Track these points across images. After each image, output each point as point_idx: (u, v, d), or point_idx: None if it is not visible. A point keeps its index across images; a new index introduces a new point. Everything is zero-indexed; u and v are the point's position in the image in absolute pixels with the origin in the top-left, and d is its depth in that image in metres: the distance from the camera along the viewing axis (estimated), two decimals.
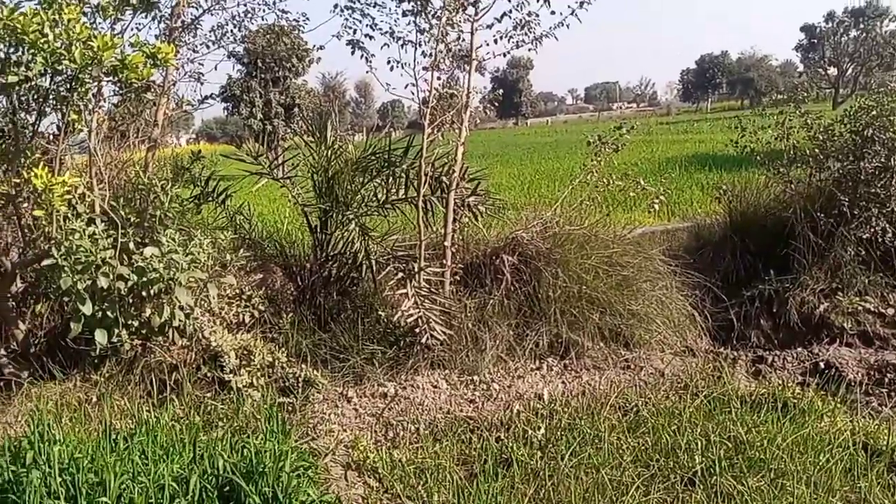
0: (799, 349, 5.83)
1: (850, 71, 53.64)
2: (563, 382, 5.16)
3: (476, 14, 5.81)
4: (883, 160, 6.64)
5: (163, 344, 4.99)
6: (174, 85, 7.20)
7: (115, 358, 4.93)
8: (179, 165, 6.14)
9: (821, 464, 3.77)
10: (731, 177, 10.65)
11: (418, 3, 5.56)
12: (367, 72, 5.86)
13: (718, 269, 6.77)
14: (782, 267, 6.54)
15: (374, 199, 6.02)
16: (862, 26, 52.63)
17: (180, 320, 4.78)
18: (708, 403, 4.57)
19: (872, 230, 6.43)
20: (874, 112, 6.89)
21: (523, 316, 5.73)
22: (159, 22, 6.63)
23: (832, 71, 56.41)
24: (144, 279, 4.53)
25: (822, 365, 5.46)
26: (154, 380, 4.78)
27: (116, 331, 4.57)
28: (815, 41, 56.56)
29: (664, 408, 4.52)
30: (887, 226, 6.44)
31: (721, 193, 7.52)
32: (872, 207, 6.51)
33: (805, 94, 8.05)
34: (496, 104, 7.36)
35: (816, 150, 7.05)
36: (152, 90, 6.60)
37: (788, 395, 4.70)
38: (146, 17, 5.96)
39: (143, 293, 4.59)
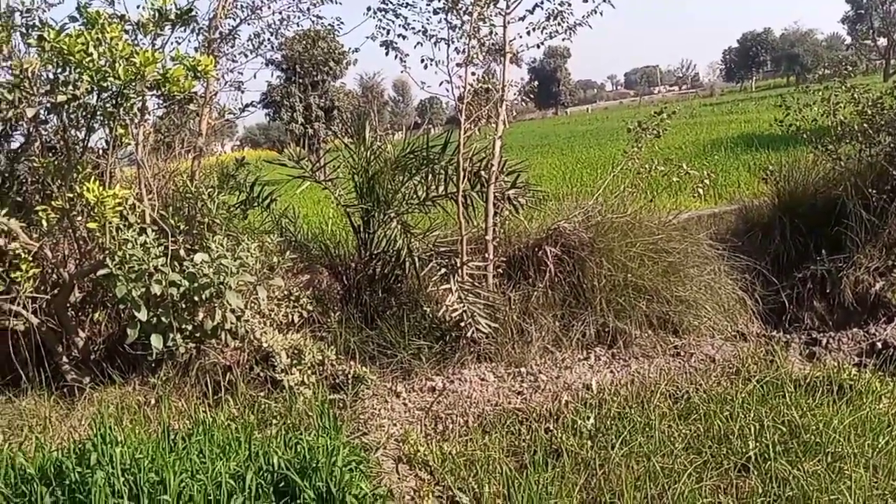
0: (854, 329, 5.66)
1: None
2: (611, 372, 5.13)
3: (507, 7, 5.81)
4: None
5: (216, 346, 5.15)
6: (216, 95, 7.36)
7: (171, 361, 5.10)
8: (225, 173, 6.30)
9: (880, 446, 3.67)
10: (778, 156, 10.39)
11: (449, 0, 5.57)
12: (401, 71, 5.92)
13: (768, 252, 6.62)
14: (834, 246, 6.35)
15: (415, 196, 6.07)
16: None
17: (232, 323, 4.92)
18: (761, 388, 4.48)
19: None
20: None
21: (568, 307, 5.71)
22: (198, 34, 6.79)
23: (882, 42, 54.26)
24: (196, 284, 4.66)
25: (878, 345, 5.29)
26: (209, 381, 4.93)
27: (171, 335, 4.72)
28: (863, 12, 54.46)
29: (716, 394, 4.46)
30: None
31: (768, 174, 7.34)
32: None
33: (850, 69, 7.78)
34: (531, 96, 7.33)
35: (865, 125, 6.82)
36: (195, 101, 6.78)
37: (844, 377, 4.59)
38: (185, 30, 6.13)
39: (195, 298, 4.73)
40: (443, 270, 5.49)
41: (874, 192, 6.31)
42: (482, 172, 5.96)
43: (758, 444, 3.76)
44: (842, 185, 6.58)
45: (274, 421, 4.40)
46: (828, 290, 6.13)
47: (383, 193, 5.96)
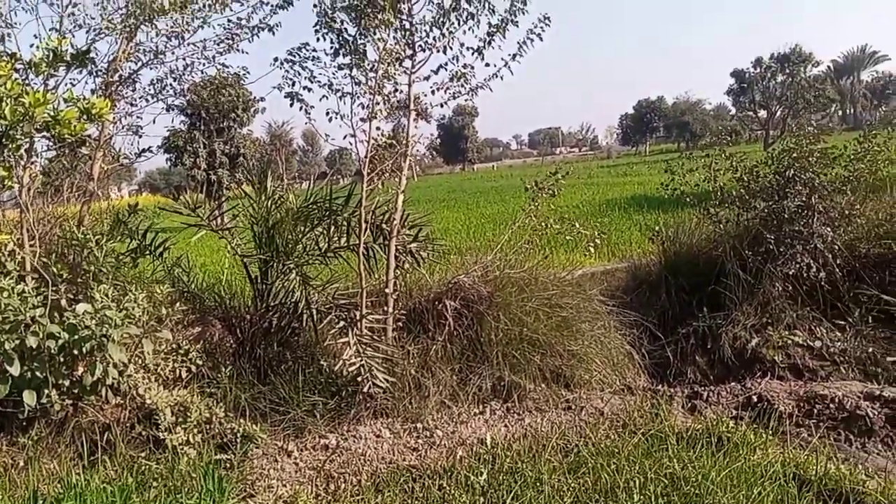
0: (733, 384, 5.99)
1: (778, 113, 56.22)
2: (505, 426, 5.19)
3: (413, 66, 5.97)
4: (804, 199, 6.97)
5: (95, 403, 4.85)
6: (111, 138, 7.11)
7: (45, 419, 4.75)
8: (116, 219, 6.05)
9: (753, 496, 3.86)
10: (667, 217, 11.03)
11: (354, 57, 5.68)
12: (305, 123, 5.93)
13: (655, 308, 6.96)
14: (715, 304, 6.76)
15: (316, 247, 6.02)
16: (788, 71, 55.43)
17: (114, 378, 4.66)
18: (646, 441, 4.65)
19: (797, 266, 6.71)
20: (795, 154, 7.27)
21: (466, 360, 5.76)
22: (95, 76, 6.59)
23: (762, 113, 59.00)
24: (76, 337, 4.42)
25: (754, 398, 5.61)
26: (85, 441, 4.62)
27: (46, 391, 4.43)
28: (745, 85, 59.26)
29: (604, 447, 4.58)
30: (811, 261, 6.74)
31: (655, 234, 7.78)
32: (796, 244, 6.81)
33: (730, 138, 8.44)
34: (436, 151, 7.51)
35: (742, 191, 7.39)
36: (88, 144, 6.52)
37: (723, 429, 4.82)
38: (82, 72, 5.94)
39: (75, 351, 4.47)
40: (341, 323, 5.43)
41: (750, 253, 6.80)
42: (384, 225, 6.00)
43: (642, 496, 3.88)
44: (722, 246, 7.05)
45: (154, 483, 4.15)
46: (709, 346, 6.48)
47: (283, 243, 5.88)
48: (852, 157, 7.30)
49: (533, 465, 4.33)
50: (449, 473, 4.38)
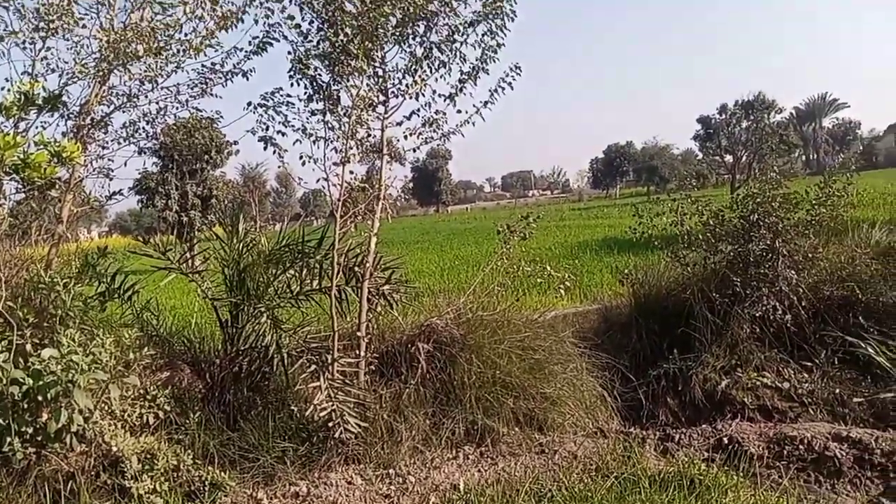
0: (704, 426, 6.03)
1: (744, 158, 57.58)
2: (479, 470, 5.14)
3: (386, 112, 6.06)
4: (769, 243, 7.16)
5: (59, 451, 4.70)
6: (81, 181, 7.06)
7: (6, 468, 4.59)
8: (85, 262, 5.97)
9: None
10: (637, 259, 11.20)
11: (327, 102, 5.75)
12: (278, 167, 5.97)
13: (627, 350, 7.03)
14: (685, 346, 6.85)
15: (288, 290, 5.99)
16: (752, 117, 57.01)
17: (79, 425, 4.53)
18: (619, 484, 4.64)
19: (764, 308, 6.85)
20: (759, 199, 7.48)
21: (439, 404, 5.73)
22: (67, 119, 6.58)
23: (728, 158, 60.37)
24: (41, 382, 4.30)
25: (725, 440, 5.65)
26: (48, 490, 4.48)
27: (8, 438, 4.29)
28: (711, 131, 60.74)
29: (577, 491, 4.56)
30: (777, 304, 6.88)
31: (625, 276, 7.89)
32: (762, 287, 6.97)
33: (696, 183, 8.66)
34: (410, 193, 7.58)
35: (709, 235, 7.56)
36: (57, 187, 6.46)
37: (695, 471, 4.83)
38: (53, 115, 5.92)
39: (39, 397, 4.35)
40: (313, 367, 5.37)
41: (718, 295, 6.92)
42: (357, 268, 6.01)
43: None
44: (690, 288, 7.18)
45: None
46: (680, 388, 6.55)
47: (254, 286, 5.85)
48: (814, 201, 7.53)
49: None
50: None
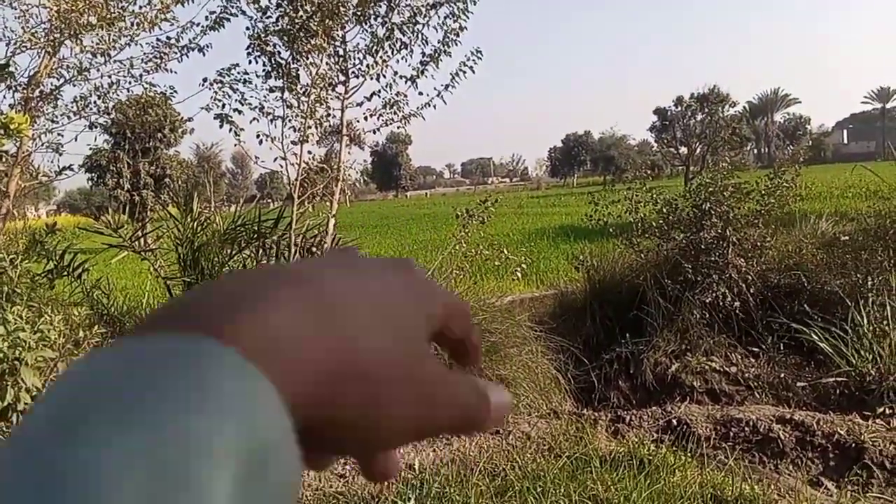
0: (654, 408, 6.16)
1: (698, 150, 58.75)
2: (434, 450, 5.18)
3: (346, 92, 6.01)
4: (719, 231, 7.33)
5: (6, 430, 4.57)
6: (29, 155, 6.84)
7: None
8: (33, 238, 5.79)
9: None
10: (592, 246, 11.35)
11: (286, 80, 5.67)
12: (235, 145, 5.86)
13: (581, 334, 7.14)
14: (637, 330, 6.99)
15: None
16: (707, 110, 58.17)
17: (26, 403, 4.40)
18: (571, 464, 4.73)
19: (714, 294, 7.03)
20: (711, 188, 7.65)
21: None
22: (14, 91, 6.35)
23: (683, 150, 61.50)
24: None
25: (674, 422, 5.79)
26: None
27: None
28: (667, 123, 61.81)
29: (530, 470, 4.63)
30: (726, 291, 7.07)
31: (580, 263, 8.00)
32: (713, 274, 7.14)
33: (650, 173, 8.81)
34: (368, 177, 7.54)
35: (662, 223, 7.71)
36: (4, 160, 6.24)
37: (644, 452, 4.95)
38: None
39: None
40: None
41: (670, 282, 7.07)
42: (315, 248, 5.96)
43: None
44: (643, 275, 7.32)
45: None
46: (631, 371, 6.68)
47: (209, 266, 5.75)
48: (764, 192, 7.73)
49: (461, 490, 4.33)
50: (377, 499, 4.33)
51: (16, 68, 6.04)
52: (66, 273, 5.81)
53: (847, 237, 7.61)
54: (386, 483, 4.54)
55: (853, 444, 5.27)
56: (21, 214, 8.12)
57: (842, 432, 5.40)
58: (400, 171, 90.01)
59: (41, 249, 5.69)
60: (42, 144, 7.02)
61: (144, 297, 7.55)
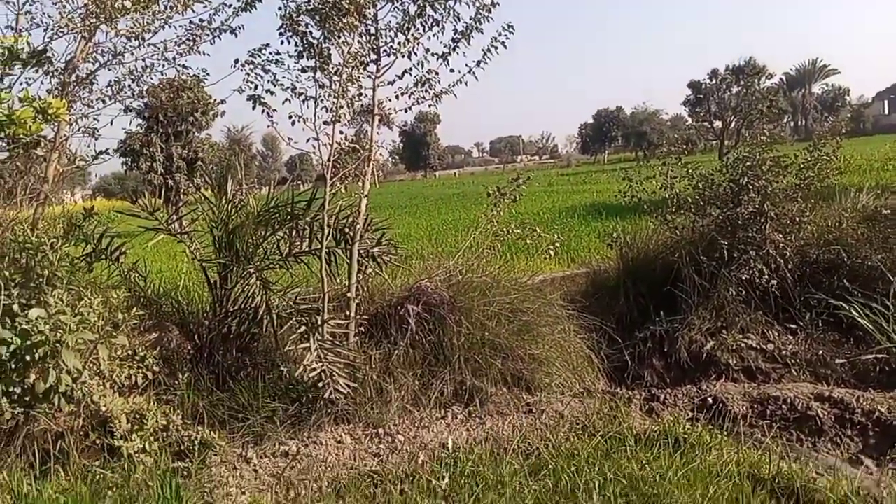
0: (689, 386, 6.12)
1: (733, 124, 57.51)
2: (467, 430, 5.21)
3: (377, 71, 5.97)
4: (757, 206, 7.19)
5: (48, 411, 4.70)
6: (67, 140, 6.95)
7: None
8: (71, 223, 5.90)
9: (709, 495, 3.95)
10: (625, 224, 11.23)
11: (318, 60, 5.66)
12: (267, 126, 5.87)
13: (614, 312, 7.08)
14: (672, 308, 6.91)
15: (277, 252, 5.97)
16: (742, 83, 56.85)
17: (67, 385, 4.52)
18: (605, 443, 4.72)
19: (751, 271, 6.90)
20: (748, 162, 7.49)
21: (428, 365, 5.76)
22: (52, 76, 6.45)
23: (717, 124, 60.30)
24: (28, 342, 4.28)
25: (710, 400, 5.74)
26: (37, 450, 4.48)
27: None
28: (701, 97, 60.57)
29: (564, 449, 4.63)
30: (763, 267, 6.94)
31: (613, 240, 7.91)
32: (750, 250, 7.01)
33: (685, 147, 8.64)
34: (398, 157, 7.53)
35: (698, 198, 7.58)
36: (42, 145, 6.35)
37: (679, 430, 4.92)
38: (38, 71, 5.80)
39: (27, 357, 4.33)
40: (302, 328, 5.37)
41: (705, 259, 6.96)
42: (347, 229, 5.98)
43: (601, 496, 3.93)
44: (678, 252, 7.21)
45: (109, 493, 4.05)
46: (666, 349, 6.62)
47: (243, 248, 5.81)
48: (802, 165, 7.54)
49: (494, 469, 4.35)
50: (411, 478, 4.38)
51: (52, 54, 6.12)
52: (104, 256, 5.93)
53: (889, 210, 7.40)
54: (420, 462, 4.58)
55: (894, 422, 5.17)
56: (59, 199, 8.28)
57: (882, 410, 5.30)
58: (428, 150, 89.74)
59: (79, 233, 5.80)
60: (79, 129, 7.14)
61: (181, 279, 7.68)
